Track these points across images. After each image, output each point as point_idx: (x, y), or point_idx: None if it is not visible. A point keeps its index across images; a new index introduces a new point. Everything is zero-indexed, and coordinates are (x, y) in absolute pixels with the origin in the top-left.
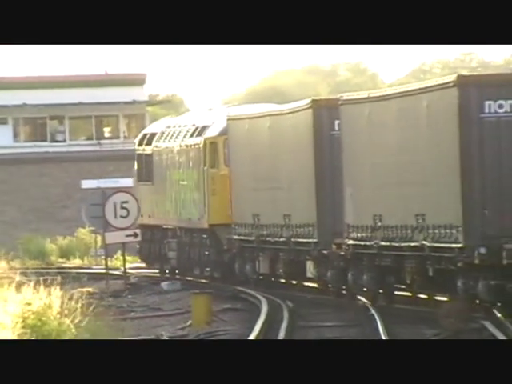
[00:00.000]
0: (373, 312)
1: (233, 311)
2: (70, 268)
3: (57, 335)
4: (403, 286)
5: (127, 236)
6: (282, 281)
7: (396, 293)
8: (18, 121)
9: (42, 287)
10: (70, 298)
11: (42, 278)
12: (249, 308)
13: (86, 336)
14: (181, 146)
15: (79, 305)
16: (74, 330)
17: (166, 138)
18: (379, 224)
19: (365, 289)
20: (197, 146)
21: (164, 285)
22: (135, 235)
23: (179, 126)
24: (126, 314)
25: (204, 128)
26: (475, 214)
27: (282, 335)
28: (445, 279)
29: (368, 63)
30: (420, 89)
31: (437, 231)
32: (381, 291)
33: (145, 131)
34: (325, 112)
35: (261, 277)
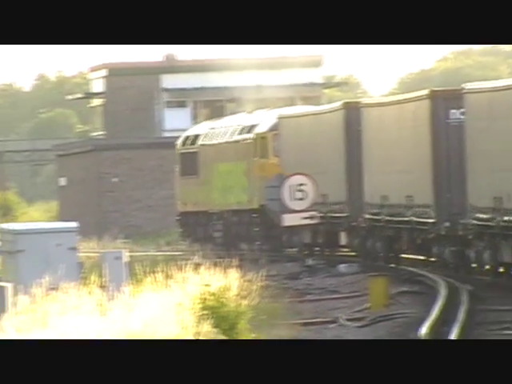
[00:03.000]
0: None
1: (410, 294)
2: (245, 250)
3: (235, 316)
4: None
5: (304, 218)
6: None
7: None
8: (196, 104)
9: (219, 269)
10: (248, 280)
11: (219, 260)
12: (427, 291)
13: (263, 318)
14: (229, 142)
15: (257, 287)
16: (251, 312)
17: (211, 138)
18: (385, 203)
19: (381, 253)
20: (247, 141)
21: (341, 267)
22: (312, 217)
23: (224, 127)
24: (302, 296)
25: (253, 126)
26: (442, 197)
27: (460, 318)
28: (427, 246)
29: None
30: (409, 98)
31: (419, 209)
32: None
33: (186, 133)
34: (354, 112)
35: (305, 247)
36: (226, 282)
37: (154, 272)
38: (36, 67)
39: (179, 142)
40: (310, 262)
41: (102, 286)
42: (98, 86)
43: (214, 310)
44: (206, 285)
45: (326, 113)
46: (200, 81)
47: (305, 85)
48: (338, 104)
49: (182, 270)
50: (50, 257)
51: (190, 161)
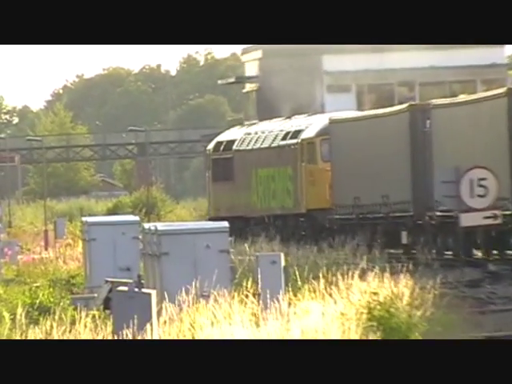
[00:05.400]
0: None
1: None
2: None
3: (407, 328)
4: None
5: (485, 218)
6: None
7: None
8: (362, 88)
9: (388, 275)
10: (422, 288)
11: (388, 265)
12: None
13: (437, 330)
14: (270, 147)
15: (431, 295)
16: (425, 324)
17: (248, 143)
18: None
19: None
20: (292, 147)
21: None
22: (495, 217)
23: (262, 133)
24: (484, 306)
25: (298, 132)
26: None
27: None
28: (503, 238)
29: None
30: (484, 97)
31: (500, 202)
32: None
33: (218, 139)
34: (419, 114)
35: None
36: (397, 289)
37: (314, 278)
38: (183, 48)
39: (210, 147)
40: (492, 267)
41: (257, 294)
42: (251, 69)
43: (382, 322)
44: (374, 293)
45: (387, 116)
46: (365, 62)
47: (486, 66)
48: (402, 106)
49: (345, 275)
50: (199, 260)
51: (224, 166)
